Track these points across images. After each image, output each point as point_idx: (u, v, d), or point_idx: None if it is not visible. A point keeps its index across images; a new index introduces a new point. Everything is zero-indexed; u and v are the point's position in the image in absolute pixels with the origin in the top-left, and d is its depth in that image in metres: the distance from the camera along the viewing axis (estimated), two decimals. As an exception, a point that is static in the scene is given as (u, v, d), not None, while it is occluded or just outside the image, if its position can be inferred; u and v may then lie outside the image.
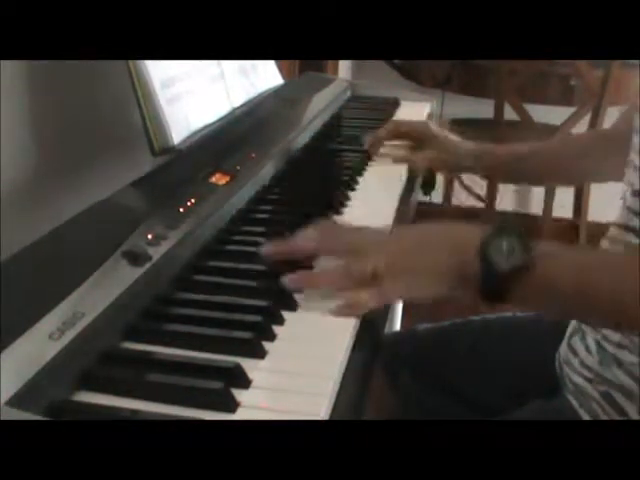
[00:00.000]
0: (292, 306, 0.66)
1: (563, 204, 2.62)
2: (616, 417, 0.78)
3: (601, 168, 1.04)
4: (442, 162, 1.13)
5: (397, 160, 1.11)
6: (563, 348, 0.89)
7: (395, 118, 1.31)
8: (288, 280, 0.66)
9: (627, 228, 0.80)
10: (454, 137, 1.14)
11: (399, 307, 1.78)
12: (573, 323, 0.89)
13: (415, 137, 1.14)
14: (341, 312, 0.64)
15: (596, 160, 1.04)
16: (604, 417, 0.79)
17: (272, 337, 0.60)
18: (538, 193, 2.68)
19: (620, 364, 0.78)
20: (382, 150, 1.14)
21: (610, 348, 0.79)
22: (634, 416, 0.76)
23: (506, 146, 1.15)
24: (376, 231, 0.72)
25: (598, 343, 0.81)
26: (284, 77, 1.34)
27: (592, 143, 1.08)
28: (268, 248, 0.70)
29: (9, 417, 0.43)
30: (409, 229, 0.76)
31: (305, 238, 0.69)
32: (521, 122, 2.34)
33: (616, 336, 0.79)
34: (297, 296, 0.66)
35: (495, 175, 1.07)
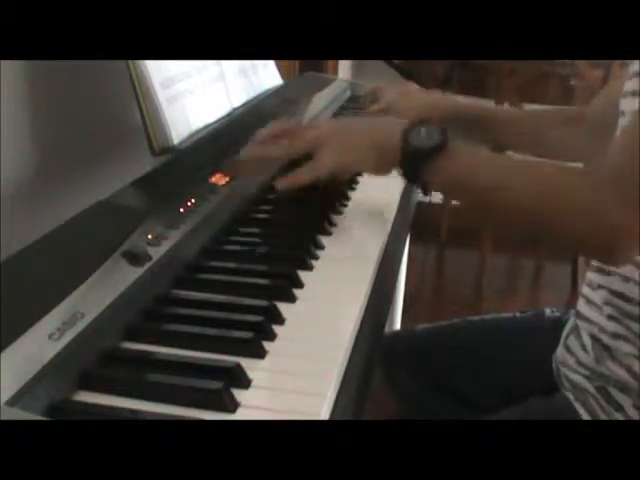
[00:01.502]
0: (291, 299, 0.67)
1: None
2: (612, 411, 0.78)
3: (568, 144, 1.03)
4: (395, 113, 1.11)
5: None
6: (559, 350, 0.89)
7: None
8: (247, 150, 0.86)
9: None
10: (428, 94, 1.16)
11: (399, 307, 1.78)
12: (570, 324, 0.89)
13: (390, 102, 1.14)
14: (283, 183, 0.81)
15: (564, 135, 1.03)
16: (600, 412, 0.79)
17: (272, 337, 0.60)
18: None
19: (614, 357, 0.79)
20: None
21: (606, 339, 0.80)
22: (629, 410, 0.77)
23: (468, 100, 1.13)
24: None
25: (593, 337, 0.82)
26: (284, 77, 1.34)
27: (561, 118, 1.07)
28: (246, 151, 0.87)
29: (9, 417, 0.43)
30: (344, 119, 0.93)
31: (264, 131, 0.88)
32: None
33: (612, 326, 0.79)
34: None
35: (454, 128, 1.07)
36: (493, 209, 0.77)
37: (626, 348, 0.78)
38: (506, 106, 2.31)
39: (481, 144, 0.86)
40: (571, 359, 0.85)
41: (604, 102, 0.92)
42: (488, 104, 1.11)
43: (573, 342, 0.86)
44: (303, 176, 0.80)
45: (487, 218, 0.91)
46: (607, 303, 0.81)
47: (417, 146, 0.74)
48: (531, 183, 0.71)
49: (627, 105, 0.80)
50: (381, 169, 0.80)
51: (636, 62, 0.77)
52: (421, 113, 1.07)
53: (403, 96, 1.13)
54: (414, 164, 0.75)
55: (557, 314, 1.02)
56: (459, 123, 1.06)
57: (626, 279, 0.78)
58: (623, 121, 0.81)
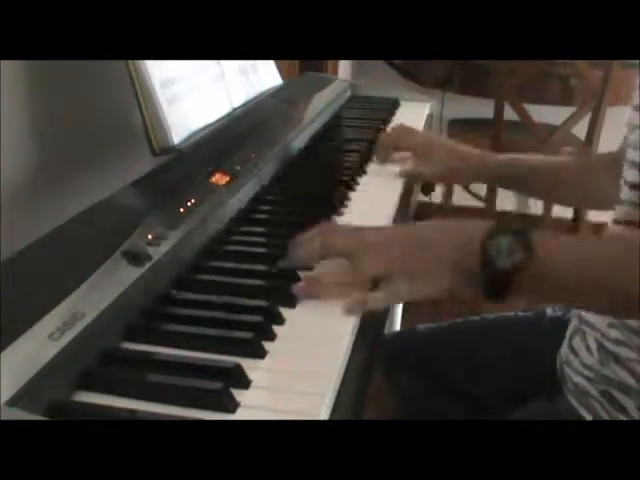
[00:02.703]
0: (291, 303, 0.66)
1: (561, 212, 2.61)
2: (615, 414, 0.78)
3: (606, 191, 0.97)
4: (450, 173, 1.09)
5: (406, 175, 1.06)
6: (564, 349, 0.89)
7: (393, 126, 1.23)
8: (297, 290, 0.67)
9: (627, 222, 0.81)
10: (455, 145, 1.11)
11: (399, 307, 1.78)
12: (574, 323, 0.89)
13: (417, 149, 1.09)
14: (345, 312, 0.65)
15: (598, 184, 1.02)
16: (604, 415, 0.79)
17: (272, 337, 0.60)
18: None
19: (618, 361, 0.79)
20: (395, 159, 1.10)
21: (609, 345, 0.80)
22: (633, 412, 0.77)
23: (511, 156, 1.09)
24: (377, 232, 0.72)
25: (598, 342, 0.81)
26: (284, 77, 1.34)
27: (594, 167, 1.06)
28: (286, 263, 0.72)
29: (9, 417, 0.43)
30: (409, 229, 0.76)
31: (308, 247, 0.70)
32: (521, 122, 2.34)
33: (614, 333, 0.79)
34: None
35: (496, 184, 1.02)
36: (577, 305, 0.79)
37: (629, 354, 0.78)
38: (506, 106, 2.31)
39: (522, 193, 0.82)
40: (575, 360, 0.85)
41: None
42: (521, 156, 1.07)
43: (578, 343, 0.85)
44: (376, 303, 0.67)
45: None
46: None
47: (501, 266, 0.63)
48: (617, 277, 0.65)
49: (635, 118, 0.80)
50: (463, 293, 0.67)
51: None
52: (448, 166, 1.06)
53: (428, 144, 1.08)
54: (498, 285, 0.65)
55: (559, 313, 1.01)
56: (489, 178, 1.02)
57: None
58: (631, 135, 0.80)
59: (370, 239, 0.69)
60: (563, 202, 1.19)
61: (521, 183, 1.09)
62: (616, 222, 0.83)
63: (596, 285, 0.66)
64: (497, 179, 1.09)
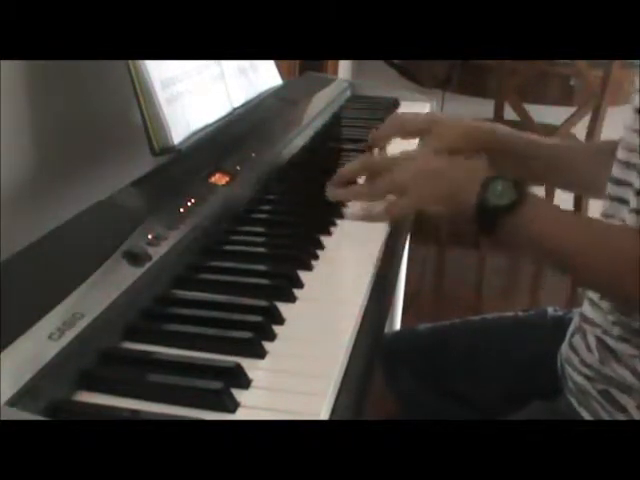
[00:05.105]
0: (291, 299, 0.67)
1: (563, 203, 2.61)
2: (616, 414, 0.78)
3: (597, 181, 0.95)
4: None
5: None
6: (564, 347, 0.89)
7: (398, 114, 1.22)
8: (328, 192, 0.88)
9: (605, 216, 0.82)
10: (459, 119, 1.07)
11: (399, 307, 1.78)
12: (575, 321, 0.89)
13: (422, 133, 1.02)
14: (366, 218, 0.85)
15: (596, 172, 1.01)
16: (604, 415, 0.79)
17: (272, 337, 0.60)
18: (538, 192, 2.68)
19: (619, 359, 0.78)
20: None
21: (611, 342, 0.79)
22: (633, 412, 0.77)
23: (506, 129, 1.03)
24: (407, 157, 0.87)
25: (599, 339, 0.81)
26: (284, 77, 1.34)
27: (598, 153, 1.04)
28: (332, 190, 0.89)
29: (9, 417, 0.43)
30: (432, 159, 0.87)
31: (352, 166, 0.90)
32: (521, 122, 2.34)
33: (617, 330, 0.79)
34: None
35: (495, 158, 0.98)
36: (564, 270, 0.82)
37: (630, 351, 0.78)
38: (506, 106, 2.31)
39: (515, 174, 0.82)
40: (575, 359, 0.85)
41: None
42: (529, 135, 1.03)
43: (578, 342, 0.85)
44: (380, 217, 0.84)
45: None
46: (612, 312, 0.80)
47: (493, 204, 0.74)
48: (604, 249, 0.72)
49: (632, 121, 0.80)
50: (458, 221, 0.82)
51: None
52: (453, 141, 0.99)
53: (435, 121, 1.01)
54: (489, 222, 0.75)
55: (560, 313, 1.01)
56: (492, 154, 1.00)
57: None
58: (625, 136, 0.80)
59: (401, 162, 0.85)
60: (563, 185, 1.19)
61: (521, 160, 1.02)
62: (603, 216, 0.84)
63: (569, 251, 0.74)
64: (504, 157, 1.00)
